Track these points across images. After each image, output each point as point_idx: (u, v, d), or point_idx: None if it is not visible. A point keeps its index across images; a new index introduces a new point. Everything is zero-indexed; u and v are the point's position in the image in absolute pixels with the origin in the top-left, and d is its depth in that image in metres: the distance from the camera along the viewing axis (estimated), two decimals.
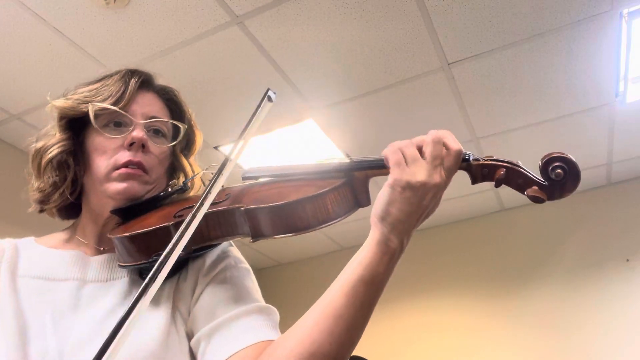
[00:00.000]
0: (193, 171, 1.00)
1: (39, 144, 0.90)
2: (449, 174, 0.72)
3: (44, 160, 0.88)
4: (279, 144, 3.04)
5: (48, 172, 0.89)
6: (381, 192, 0.72)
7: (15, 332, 0.77)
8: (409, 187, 0.70)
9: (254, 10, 2.15)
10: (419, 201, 0.70)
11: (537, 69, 2.54)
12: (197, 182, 0.98)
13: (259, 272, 4.58)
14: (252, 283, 0.88)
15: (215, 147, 2.99)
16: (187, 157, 1.00)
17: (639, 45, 2.40)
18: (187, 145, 1.00)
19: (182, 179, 0.98)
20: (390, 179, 0.71)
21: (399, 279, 3.98)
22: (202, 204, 0.72)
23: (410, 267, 4.00)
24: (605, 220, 3.51)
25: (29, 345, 0.76)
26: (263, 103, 0.83)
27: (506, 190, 3.63)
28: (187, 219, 0.70)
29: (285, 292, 4.06)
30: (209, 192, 0.73)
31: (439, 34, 2.32)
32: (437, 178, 0.70)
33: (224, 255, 0.89)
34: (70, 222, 0.97)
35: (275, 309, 0.84)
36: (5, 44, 2.25)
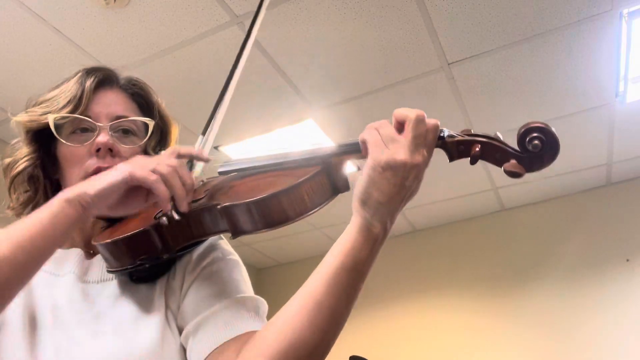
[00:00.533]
0: None
1: (7, 160, 0.90)
2: (430, 152, 0.70)
3: (11, 175, 0.88)
4: (278, 144, 3.04)
5: (18, 188, 0.89)
6: (361, 176, 0.69)
7: (23, 327, 0.77)
8: (389, 167, 0.67)
9: (254, 10, 2.15)
10: (401, 182, 0.67)
11: (537, 69, 2.54)
12: None
13: (259, 272, 4.58)
14: (240, 275, 0.86)
15: (215, 147, 2.99)
16: (162, 151, 0.97)
17: (639, 45, 2.40)
18: (161, 138, 0.97)
19: None
20: (369, 160, 0.68)
21: (399, 278, 3.96)
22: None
23: (410, 267, 4.01)
24: (605, 220, 3.51)
25: (37, 340, 0.76)
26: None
27: (506, 190, 3.63)
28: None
29: (285, 292, 4.03)
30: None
31: (439, 34, 2.32)
32: (418, 157, 0.68)
33: (211, 249, 0.87)
34: None
35: (262, 300, 0.83)
36: (5, 44, 2.25)
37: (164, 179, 0.72)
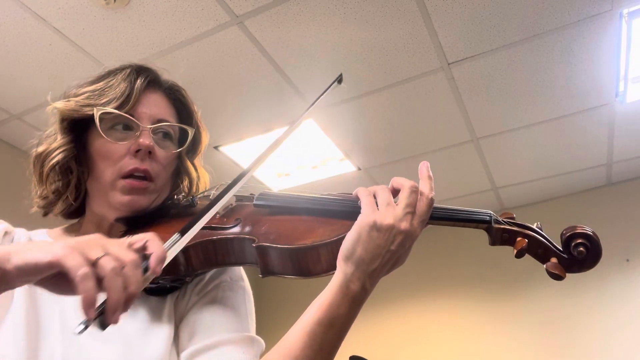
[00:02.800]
0: (198, 174, 0.97)
1: (41, 148, 0.86)
2: (421, 222, 0.72)
3: (46, 166, 0.85)
4: (278, 144, 3.04)
5: (51, 178, 0.86)
6: (349, 233, 0.71)
7: (25, 331, 0.75)
8: (375, 227, 0.69)
9: (254, 10, 2.15)
10: (386, 244, 0.70)
11: (537, 69, 2.54)
12: (208, 195, 0.95)
13: (260, 279, 4.57)
14: (244, 305, 0.84)
15: (215, 147, 2.99)
16: (192, 158, 0.97)
17: (639, 45, 2.40)
18: (194, 147, 0.97)
19: (186, 182, 0.95)
20: (359, 218, 0.71)
21: (399, 279, 3.96)
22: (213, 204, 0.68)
23: (410, 268, 4.00)
24: (605, 220, 3.51)
25: (40, 346, 0.75)
26: (333, 85, 0.81)
27: (506, 190, 3.63)
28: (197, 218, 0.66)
29: (285, 293, 4.05)
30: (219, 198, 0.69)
31: (439, 34, 2.32)
32: (406, 225, 0.70)
33: (221, 271, 0.85)
34: (74, 220, 0.94)
35: (259, 340, 0.80)
36: (5, 44, 2.25)
37: (101, 274, 0.53)
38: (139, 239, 0.60)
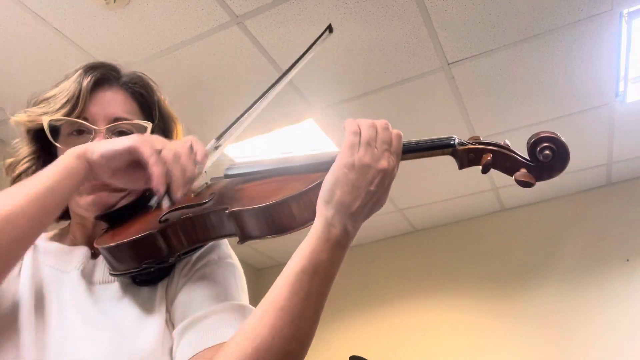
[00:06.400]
0: None
1: (9, 160, 0.89)
2: (396, 158, 0.72)
3: (13, 176, 0.87)
4: (279, 144, 3.04)
5: None
6: (327, 176, 0.70)
7: (33, 322, 0.77)
8: (353, 168, 0.68)
9: (254, 10, 2.16)
10: (366, 185, 0.69)
11: (537, 69, 2.54)
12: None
13: (259, 272, 4.58)
14: (234, 280, 0.84)
15: (215, 147, 2.99)
16: None
17: (639, 45, 2.40)
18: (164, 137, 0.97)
19: None
20: (337, 160, 0.70)
21: (399, 278, 3.96)
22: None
23: (410, 267, 4.01)
24: (605, 220, 3.51)
25: (46, 334, 0.76)
26: (324, 34, 0.83)
27: (506, 190, 3.63)
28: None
29: None
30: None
31: (439, 34, 2.32)
32: (384, 162, 0.70)
33: (209, 250, 0.86)
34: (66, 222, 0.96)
35: (250, 307, 0.80)
36: (5, 44, 2.25)
37: (165, 162, 0.72)
38: (186, 140, 0.78)
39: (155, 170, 0.71)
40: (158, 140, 0.74)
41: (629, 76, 2.58)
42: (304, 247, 0.69)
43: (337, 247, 0.68)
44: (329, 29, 0.84)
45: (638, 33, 2.33)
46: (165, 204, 0.76)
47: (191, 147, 0.77)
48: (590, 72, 2.56)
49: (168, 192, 0.73)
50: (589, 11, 2.21)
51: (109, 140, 0.75)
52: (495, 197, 3.73)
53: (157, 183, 0.71)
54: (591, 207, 3.56)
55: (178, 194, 0.72)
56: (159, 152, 0.72)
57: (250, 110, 0.73)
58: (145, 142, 0.72)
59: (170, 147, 0.73)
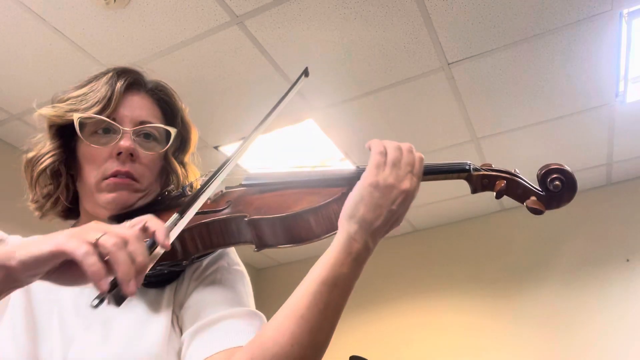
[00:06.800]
0: (187, 173, 0.98)
1: (30, 155, 0.89)
2: (418, 180, 0.76)
3: (36, 171, 0.88)
4: (279, 144, 3.04)
5: (41, 183, 0.89)
6: (351, 193, 0.73)
7: (24, 330, 0.77)
8: (378, 188, 0.72)
9: (254, 10, 2.16)
10: (388, 204, 0.72)
11: (537, 69, 2.54)
12: (196, 185, 0.95)
13: (259, 272, 4.58)
14: (243, 287, 0.86)
15: (215, 147, 2.99)
16: (181, 157, 0.98)
17: (639, 45, 2.40)
18: (181, 145, 0.98)
19: (175, 181, 0.97)
20: (362, 178, 0.73)
21: (399, 278, 3.95)
22: (201, 192, 0.71)
23: (411, 267, 4.01)
24: (605, 220, 3.51)
25: (39, 345, 0.76)
26: (300, 79, 0.84)
27: None
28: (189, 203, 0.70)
29: (285, 292, 4.05)
30: (207, 184, 0.72)
31: (439, 34, 2.32)
32: (407, 184, 0.74)
33: (218, 257, 0.88)
34: (73, 222, 0.96)
35: (261, 315, 0.82)
36: (5, 44, 2.25)
37: (107, 252, 0.56)
38: (138, 220, 0.63)
39: (89, 270, 0.55)
40: (94, 229, 0.59)
41: (629, 76, 2.58)
42: (325, 259, 0.71)
43: (357, 262, 0.71)
44: (305, 73, 0.87)
45: (638, 33, 2.33)
46: (118, 300, 0.59)
47: (144, 228, 0.62)
48: (590, 72, 2.56)
49: (117, 286, 0.57)
50: (588, 11, 2.21)
51: (32, 242, 0.59)
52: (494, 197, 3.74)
53: (96, 283, 0.55)
54: (591, 207, 3.56)
55: (129, 287, 0.56)
56: (94, 243, 0.57)
57: (217, 176, 0.70)
58: (74, 238, 0.57)
59: (113, 233, 0.58)
